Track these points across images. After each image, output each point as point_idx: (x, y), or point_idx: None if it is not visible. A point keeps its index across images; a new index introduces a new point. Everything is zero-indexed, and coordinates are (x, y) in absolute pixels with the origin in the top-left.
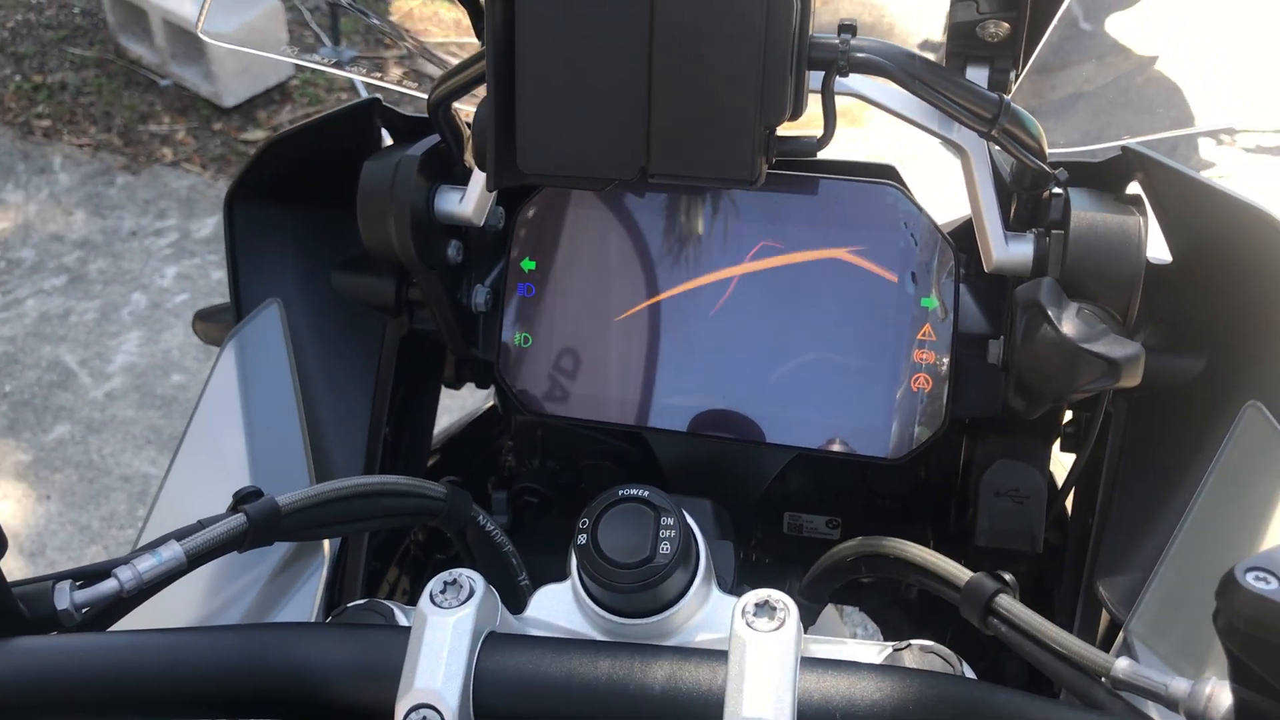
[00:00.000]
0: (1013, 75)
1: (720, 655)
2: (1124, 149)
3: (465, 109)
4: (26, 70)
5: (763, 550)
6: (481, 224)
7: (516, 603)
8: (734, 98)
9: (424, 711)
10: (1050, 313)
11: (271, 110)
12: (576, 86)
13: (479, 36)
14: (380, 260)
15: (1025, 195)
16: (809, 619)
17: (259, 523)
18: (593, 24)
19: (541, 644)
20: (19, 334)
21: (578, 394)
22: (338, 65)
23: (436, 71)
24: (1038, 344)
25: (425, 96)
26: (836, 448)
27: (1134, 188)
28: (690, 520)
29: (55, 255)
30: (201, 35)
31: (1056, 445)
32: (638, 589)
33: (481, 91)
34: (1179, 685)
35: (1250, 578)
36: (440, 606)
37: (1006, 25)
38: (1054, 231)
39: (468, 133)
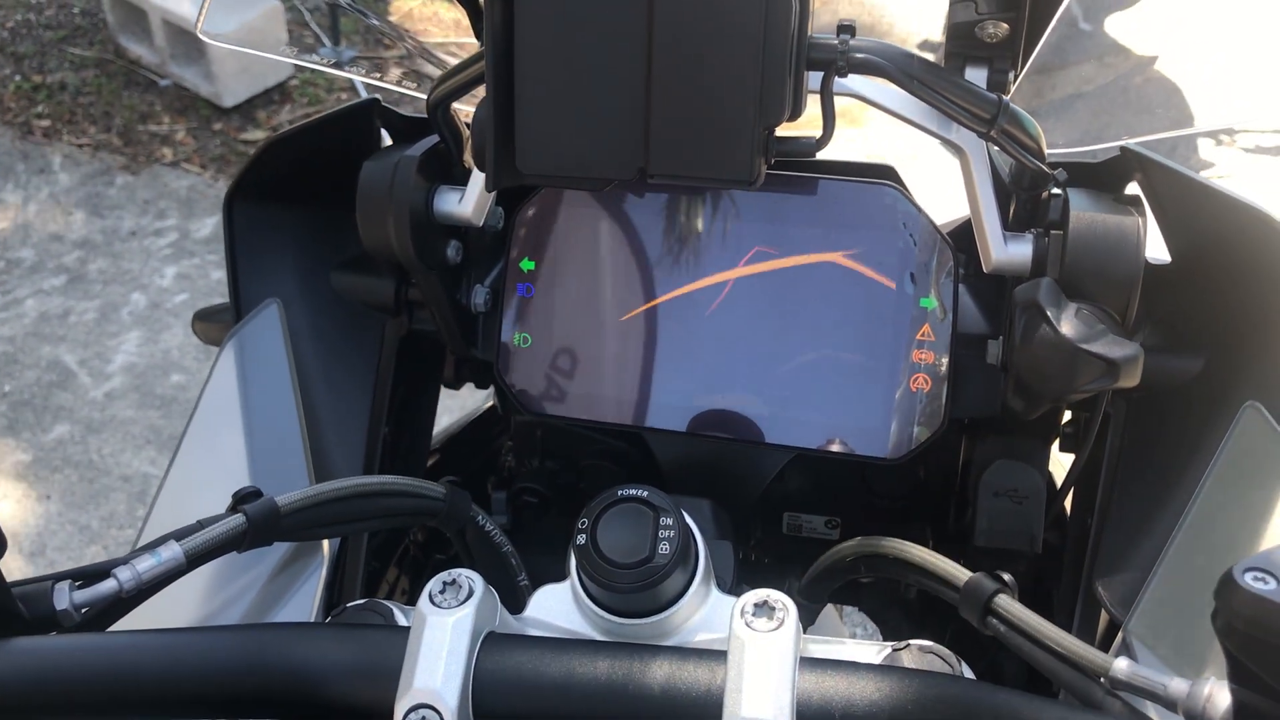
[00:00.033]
0: (1011, 76)
1: (719, 655)
2: (1123, 149)
3: (465, 109)
4: (26, 70)
5: (762, 550)
6: (481, 224)
7: (516, 603)
8: (733, 98)
9: (423, 711)
10: (1049, 313)
11: (271, 110)
12: (575, 87)
13: (478, 37)
14: (379, 260)
15: (1024, 196)
16: (808, 619)
17: (258, 523)
18: (592, 24)
19: (541, 644)
20: (18, 334)
21: (577, 394)
22: (337, 65)
23: (436, 72)
24: (1037, 344)
25: (424, 97)
26: (836, 448)
27: (1133, 188)
28: (689, 520)
29: (55, 255)
30: (201, 35)
31: (1056, 445)
32: (637, 589)
33: (481, 92)
34: (1178, 685)
35: (1249, 578)
36: (439, 606)
37: (1005, 26)
38: (1053, 232)
39: (467, 133)
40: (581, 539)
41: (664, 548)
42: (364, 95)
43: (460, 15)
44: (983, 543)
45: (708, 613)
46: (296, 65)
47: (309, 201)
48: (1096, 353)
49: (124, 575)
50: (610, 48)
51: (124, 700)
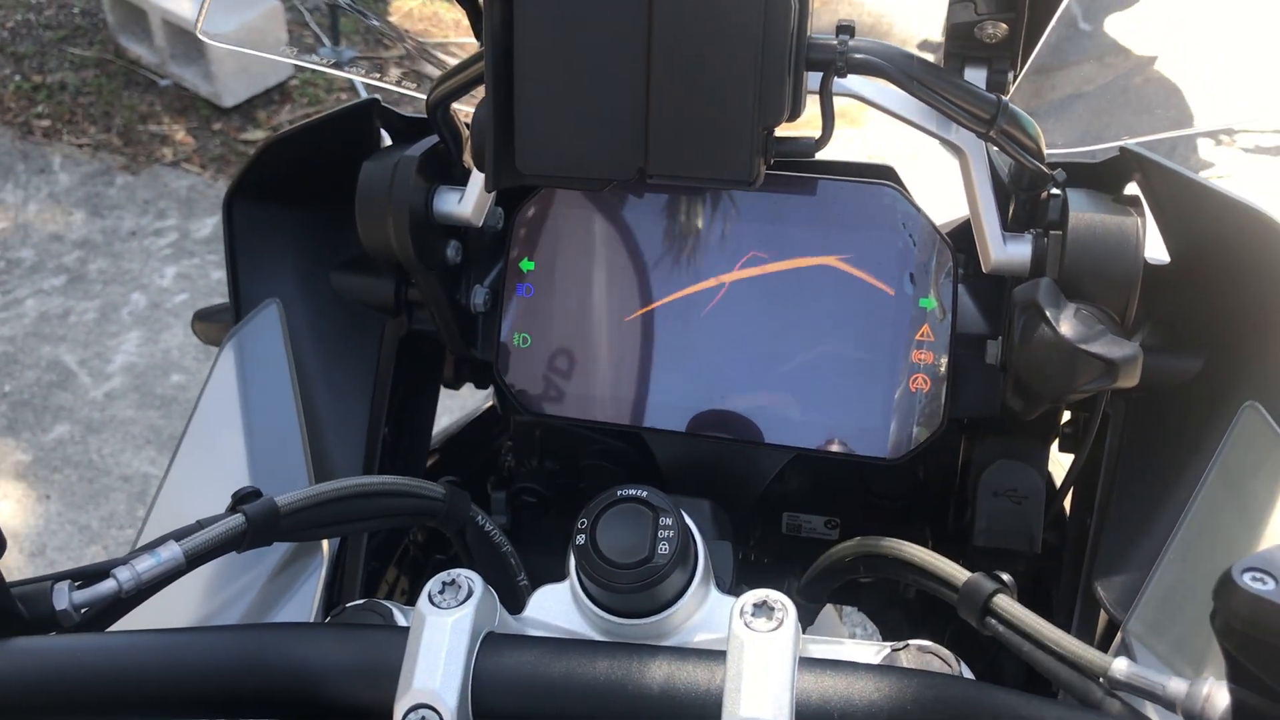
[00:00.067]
0: (1011, 76)
1: (718, 655)
2: (1122, 150)
3: (464, 110)
4: (26, 70)
5: (761, 550)
6: (480, 224)
7: (515, 603)
8: (732, 98)
9: (422, 711)
10: (1048, 313)
11: (271, 110)
12: (575, 87)
13: (478, 37)
14: (379, 260)
15: (1023, 196)
16: (807, 619)
17: (258, 523)
18: (591, 25)
19: (540, 644)
20: (18, 334)
21: (576, 394)
22: (337, 66)
23: (435, 72)
24: (1036, 344)
25: (424, 97)
26: (835, 448)
27: (1132, 188)
28: (689, 520)
29: (55, 255)
30: (200, 36)
31: (1055, 445)
32: (636, 589)
33: (480, 92)
34: (1176, 685)
35: (1247, 578)
36: (439, 607)
37: (1004, 26)
38: (1052, 232)
39: (466, 133)
40: (581, 539)
41: (663, 548)
42: (364, 95)
43: (460, 15)
44: (982, 543)
45: (707, 613)
46: (296, 65)
47: (309, 202)
48: (1095, 353)
49: (123, 575)
50: (610, 48)
51: (124, 700)
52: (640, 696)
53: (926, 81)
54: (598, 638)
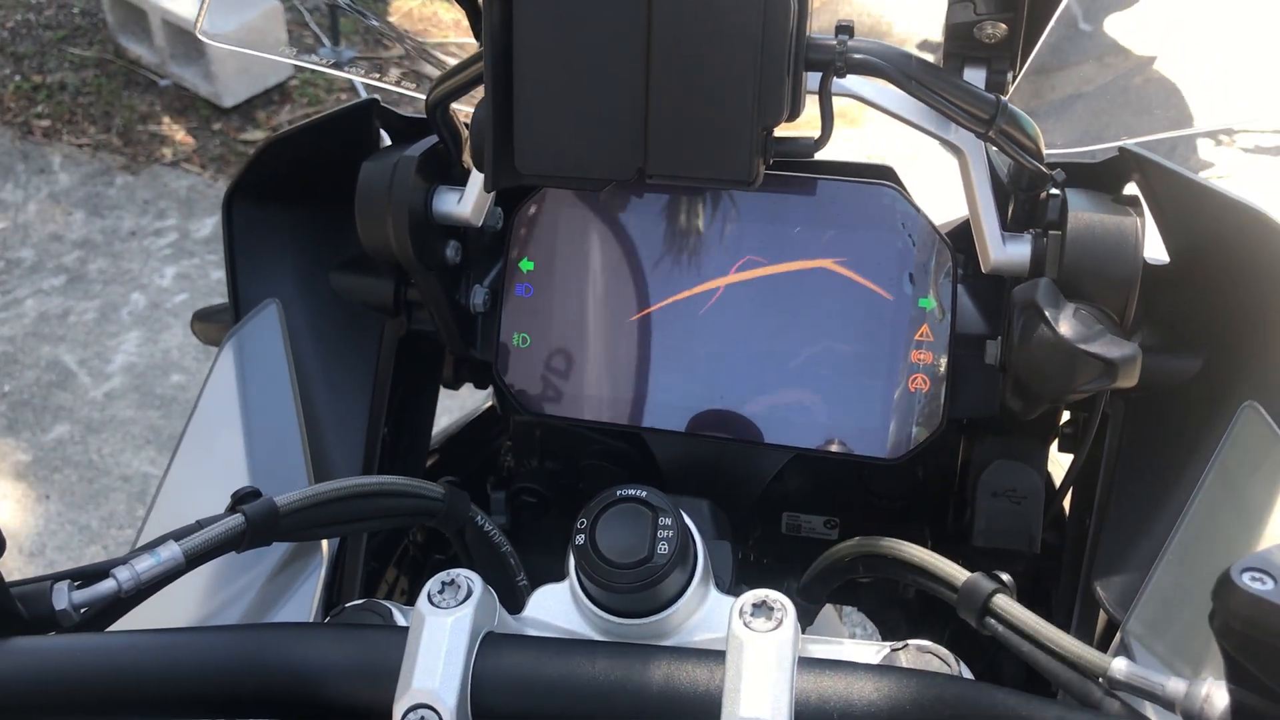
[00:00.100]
0: (1010, 76)
1: (718, 655)
2: (1121, 150)
3: (464, 110)
4: (26, 70)
5: (761, 550)
6: (480, 224)
7: (515, 603)
8: (731, 99)
9: (422, 711)
10: (1047, 313)
11: (271, 110)
12: (574, 87)
13: (477, 37)
14: (379, 261)
15: (1023, 196)
16: (806, 619)
17: (257, 523)
18: (590, 25)
19: (539, 644)
20: (18, 334)
21: (576, 394)
22: (336, 66)
23: (435, 72)
24: (1035, 344)
25: (424, 97)
26: (834, 448)
27: (1131, 188)
28: (688, 520)
29: (54, 255)
30: (200, 36)
31: (1054, 446)
32: (635, 589)
33: (480, 92)
34: (1175, 685)
35: (1246, 578)
36: (438, 607)
37: (1004, 26)
38: (1051, 232)
39: (466, 133)
40: (580, 539)
41: (662, 548)
42: (363, 95)
43: (460, 15)
44: (981, 543)
45: (706, 613)
46: (296, 65)
47: (308, 202)
48: (1095, 353)
49: (123, 575)
50: (609, 48)
51: (123, 700)
52: (639, 696)
53: (926, 81)
54: (597, 638)
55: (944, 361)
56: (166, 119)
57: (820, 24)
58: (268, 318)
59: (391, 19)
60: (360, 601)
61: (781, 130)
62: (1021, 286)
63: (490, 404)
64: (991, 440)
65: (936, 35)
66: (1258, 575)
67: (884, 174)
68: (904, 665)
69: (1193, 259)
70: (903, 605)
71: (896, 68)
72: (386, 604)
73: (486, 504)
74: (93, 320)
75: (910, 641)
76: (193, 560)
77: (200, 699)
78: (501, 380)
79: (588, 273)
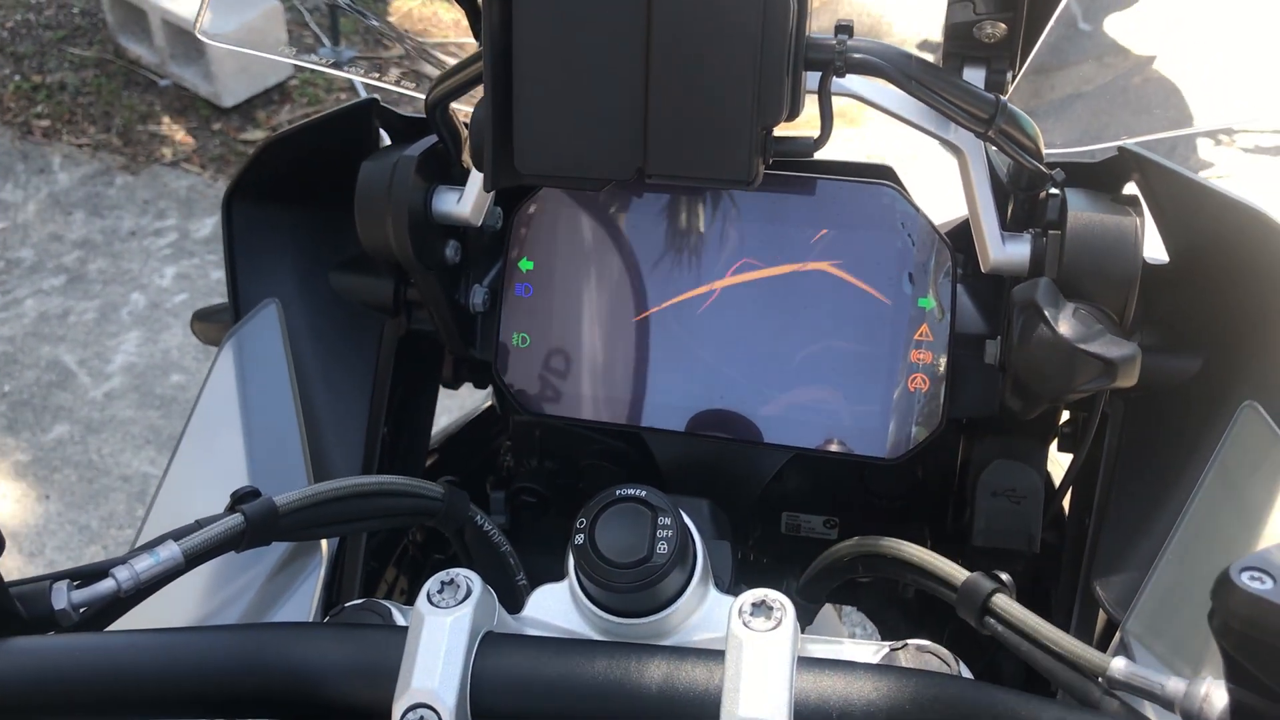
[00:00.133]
0: (1010, 76)
1: (717, 655)
2: (1121, 149)
3: (463, 109)
4: (26, 70)
5: (760, 550)
6: (479, 224)
7: (514, 602)
8: (731, 98)
9: (421, 711)
10: (1047, 313)
11: (271, 110)
12: (574, 87)
13: (477, 37)
14: (378, 260)
15: (1022, 196)
16: (806, 619)
17: (256, 523)
18: (590, 24)
19: (539, 644)
20: (18, 334)
21: (575, 394)
22: (336, 65)
23: (435, 72)
24: (1034, 344)
25: (423, 97)
26: (834, 448)
27: (1131, 188)
28: (687, 520)
29: (54, 255)
30: (199, 35)
31: (1054, 445)
32: (635, 589)
33: (479, 92)
34: (1175, 685)
35: (1245, 577)
36: (437, 606)
37: (1003, 26)
38: (1051, 232)
39: (465, 133)
40: (579, 539)
41: (662, 547)
42: (363, 95)
43: (459, 15)
44: (981, 542)
45: (706, 612)
46: (296, 65)
47: (308, 201)
48: (1094, 352)
49: (122, 575)
50: (608, 48)
51: (122, 700)
52: (639, 696)
53: (925, 81)
54: (596, 637)
55: (943, 361)
56: (166, 119)
57: (820, 24)
58: (267, 317)
59: (391, 19)
60: (360, 601)
61: (781, 130)
62: (1021, 286)
63: (490, 404)
64: (991, 440)
65: (936, 35)
66: (1257, 575)
67: (883, 174)
68: (903, 665)
69: (1192, 259)
70: (902, 605)
71: (896, 67)
72: (386, 604)
73: (486, 504)
74: (92, 320)
75: (910, 641)
76: (192, 560)
77: (200, 699)
78: (501, 380)
79: (587, 272)
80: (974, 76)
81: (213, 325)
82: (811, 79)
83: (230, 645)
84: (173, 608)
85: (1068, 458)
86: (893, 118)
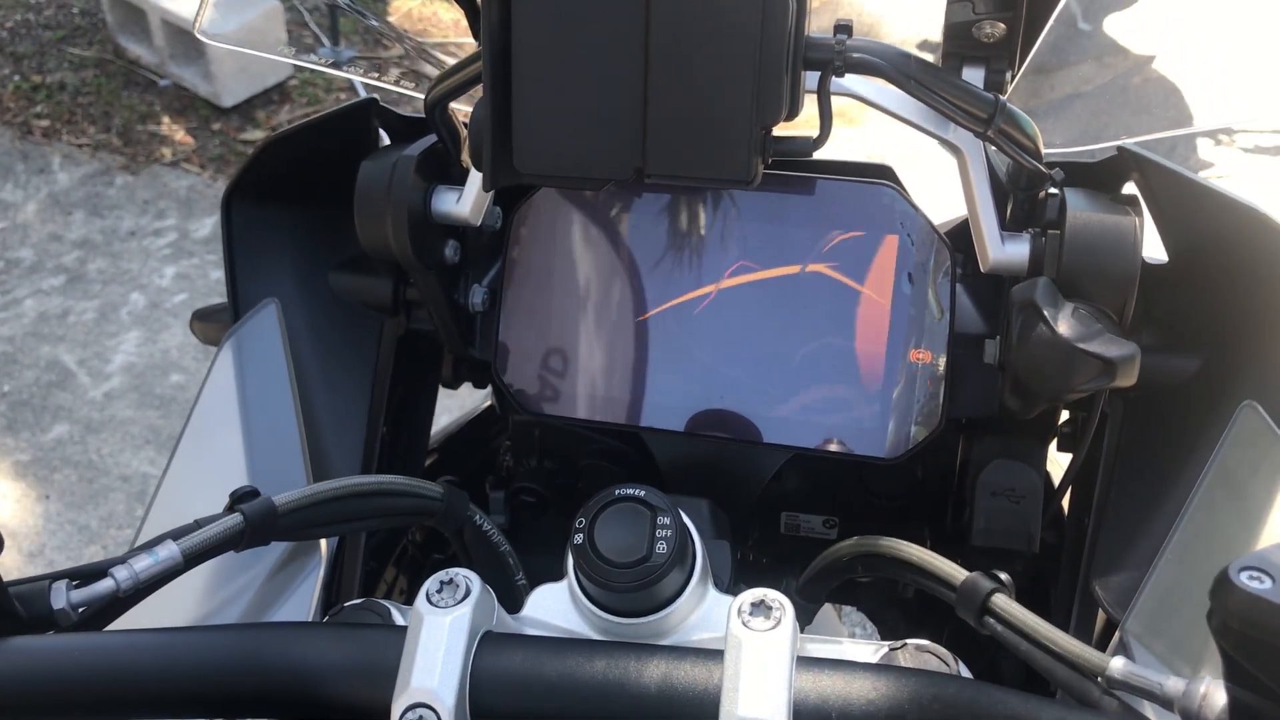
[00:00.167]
0: (1009, 75)
1: (716, 654)
2: (1120, 149)
3: (462, 109)
4: (25, 70)
5: (760, 550)
6: (479, 224)
7: (513, 602)
8: (730, 98)
9: (420, 711)
10: (1046, 312)
11: (270, 110)
12: (573, 86)
13: (476, 37)
14: (377, 260)
15: (1021, 195)
16: (805, 618)
17: (255, 522)
18: (589, 24)
19: (538, 643)
20: (17, 334)
21: (575, 394)
22: (336, 65)
23: (434, 72)
24: (1034, 344)
25: (423, 97)
26: (833, 447)
27: (1130, 188)
28: (686, 520)
29: (54, 255)
30: (198, 35)
31: (1053, 445)
32: (634, 588)
33: (478, 91)
34: (1174, 684)
35: (1244, 577)
36: (436, 606)
37: (1002, 26)
38: (1050, 231)
39: (465, 133)
40: (579, 538)
41: (661, 547)
42: (363, 95)
43: (459, 15)
44: (980, 542)
45: (705, 612)
46: (295, 65)
47: (307, 201)
48: (1093, 352)
49: (121, 575)
50: (607, 47)
51: (121, 700)
52: (638, 695)
53: (924, 81)
54: (596, 637)
55: (943, 361)
56: (166, 119)
57: (820, 24)
58: (267, 317)
59: (391, 19)
60: (359, 601)
61: (780, 129)
62: (1020, 286)
63: (489, 403)
64: (990, 439)
65: (936, 35)
66: (1256, 574)
67: (883, 173)
68: (903, 665)
69: (1192, 258)
70: (902, 605)
71: (895, 67)
72: (385, 603)
73: (485, 503)
74: (92, 320)
75: (909, 641)
76: (191, 560)
77: (199, 698)
78: (500, 380)
79: (586, 272)
80: (973, 76)
81: (212, 325)
82: (811, 79)
83: (229, 645)
84: (172, 607)
85: (1067, 457)
86: (892, 117)
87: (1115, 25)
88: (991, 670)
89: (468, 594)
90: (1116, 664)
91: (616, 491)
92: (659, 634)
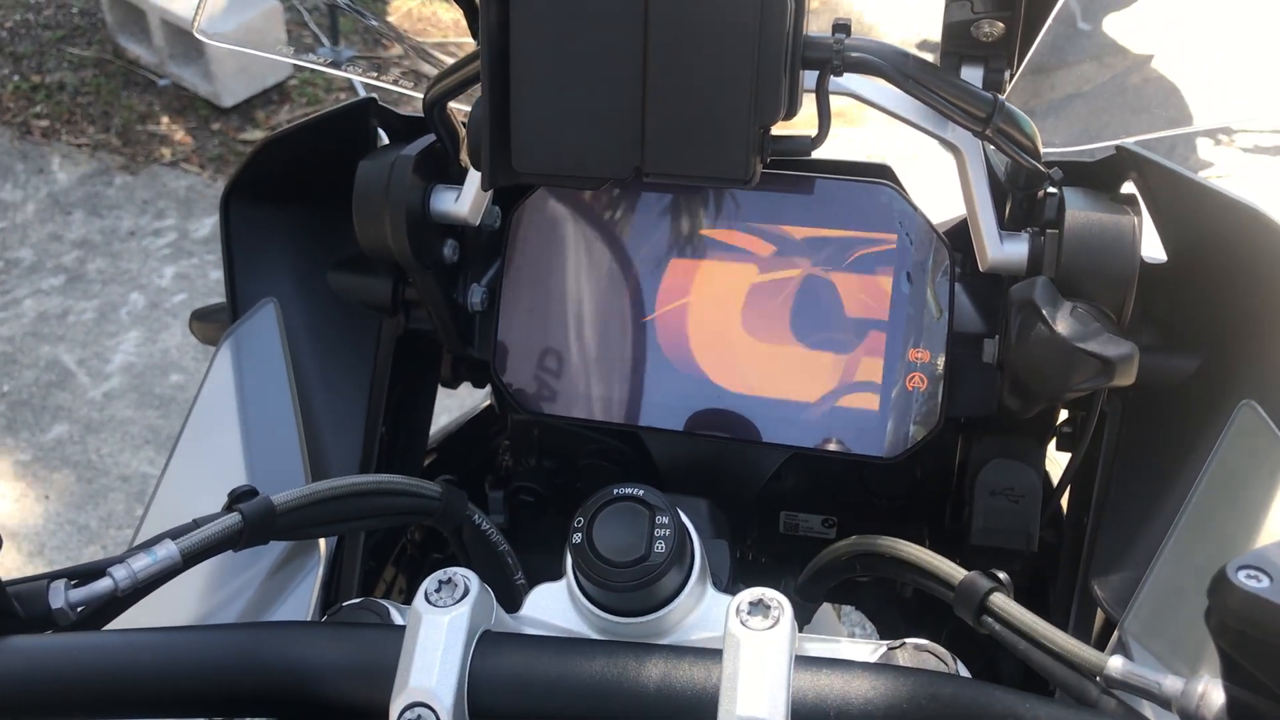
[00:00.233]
0: (1007, 75)
1: (715, 654)
2: (1119, 148)
3: (461, 108)
4: (25, 70)
5: (759, 549)
6: (477, 223)
7: (512, 602)
8: (728, 97)
9: (419, 710)
10: (1045, 312)
11: (270, 110)
12: (571, 86)
13: (475, 36)
14: (376, 260)
15: (1020, 195)
16: (804, 618)
17: (254, 522)
18: (588, 24)
19: (536, 643)
20: (17, 334)
21: (574, 393)
22: (335, 65)
23: (433, 71)
24: (1032, 343)
25: (422, 96)
26: (832, 447)
27: (1129, 187)
28: (685, 519)
29: (54, 255)
30: (197, 35)
31: (1052, 444)
32: (632, 588)
33: (477, 91)
34: (1172, 684)
35: (1242, 576)
36: (435, 605)
37: (1001, 25)
38: (1049, 231)
39: (463, 132)
40: (577, 538)
41: (659, 546)
42: (362, 95)
43: (458, 15)
44: (979, 541)
45: (703, 611)
46: (295, 65)
47: (305, 201)
48: (1092, 351)
49: (120, 574)
50: (606, 47)
51: (120, 699)
52: (637, 695)
53: (923, 80)
54: (594, 636)
55: (941, 360)
56: (165, 119)
57: (819, 25)
58: (265, 317)
59: (391, 19)
60: (358, 600)
61: (779, 129)
62: (1019, 285)
63: (488, 403)
64: (989, 439)
65: (935, 35)
66: (1254, 573)
67: (882, 173)
68: (901, 664)
69: (1191, 258)
70: (901, 604)
71: (893, 66)
72: (384, 603)
73: (484, 503)
74: (91, 320)
75: (908, 640)
76: (189, 559)
77: (197, 698)
78: (499, 379)
79: (585, 272)
80: (972, 75)
81: (211, 325)
82: (809, 78)
83: (228, 644)
84: (170, 607)
85: (1066, 457)
86: (891, 117)
87: (1114, 25)
88: (990, 670)
89: (466, 593)
90: (1115, 663)
91: (615, 491)
92: (657, 633)
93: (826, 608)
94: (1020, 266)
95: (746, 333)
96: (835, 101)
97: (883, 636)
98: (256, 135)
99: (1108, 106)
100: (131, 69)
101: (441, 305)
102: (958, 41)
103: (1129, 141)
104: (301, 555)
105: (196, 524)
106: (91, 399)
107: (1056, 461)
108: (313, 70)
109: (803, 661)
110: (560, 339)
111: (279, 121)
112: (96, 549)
